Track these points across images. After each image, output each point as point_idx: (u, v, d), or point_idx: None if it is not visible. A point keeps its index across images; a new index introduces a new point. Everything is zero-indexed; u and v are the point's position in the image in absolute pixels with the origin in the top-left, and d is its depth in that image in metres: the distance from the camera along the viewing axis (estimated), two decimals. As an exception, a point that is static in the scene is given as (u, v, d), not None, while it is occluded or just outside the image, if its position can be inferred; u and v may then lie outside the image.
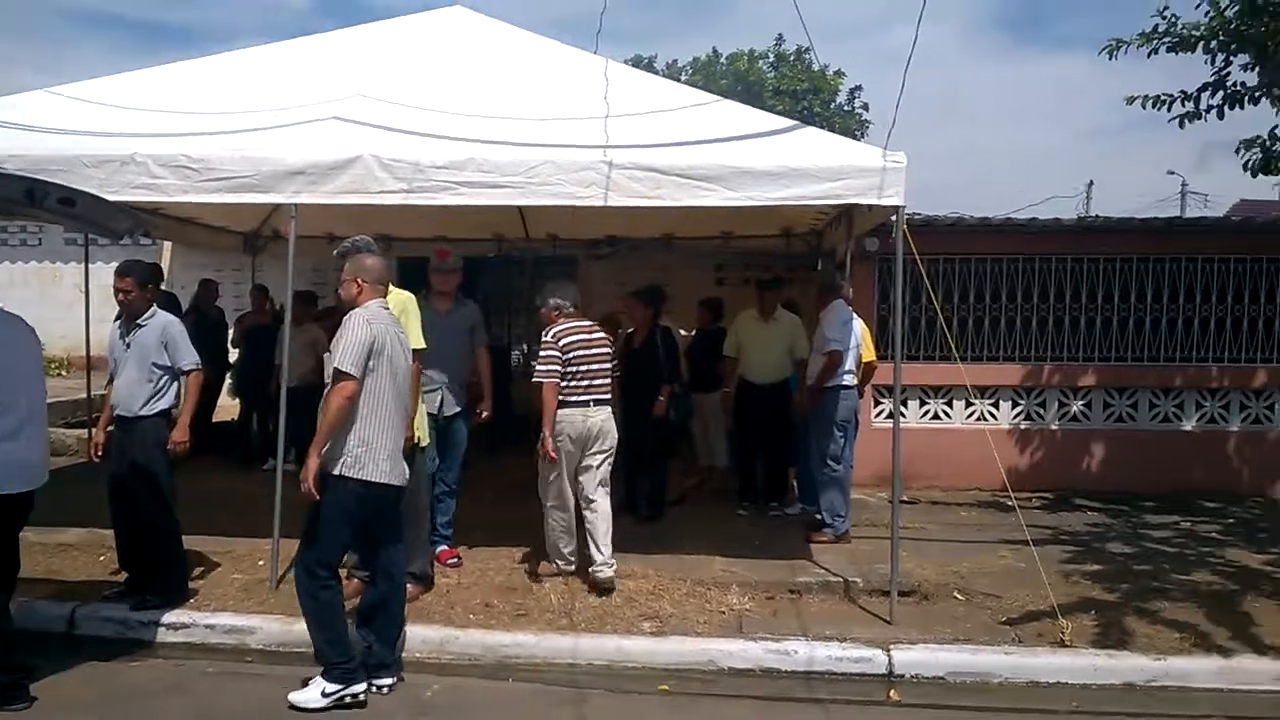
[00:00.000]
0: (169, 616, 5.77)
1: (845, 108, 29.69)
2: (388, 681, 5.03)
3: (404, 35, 8.03)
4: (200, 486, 7.94)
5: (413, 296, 6.01)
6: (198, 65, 7.69)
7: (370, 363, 4.78)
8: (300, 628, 5.63)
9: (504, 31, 8.13)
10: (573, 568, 6.58)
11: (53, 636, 5.66)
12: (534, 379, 6.41)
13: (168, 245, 13.30)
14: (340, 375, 4.72)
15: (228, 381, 10.94)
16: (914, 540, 7.69)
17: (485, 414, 6.77)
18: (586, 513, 6.43)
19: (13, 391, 4.73)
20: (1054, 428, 10.09)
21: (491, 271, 12.33)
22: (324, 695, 4.79)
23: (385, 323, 4.94)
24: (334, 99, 6.63)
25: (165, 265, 13.41)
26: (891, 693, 5.27)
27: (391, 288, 5.87)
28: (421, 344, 5.90)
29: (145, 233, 6.10)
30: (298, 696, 4.82)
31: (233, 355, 10.80)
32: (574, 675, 5.38)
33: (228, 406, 10.88)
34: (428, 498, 6.26)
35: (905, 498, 9.27)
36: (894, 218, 5.85)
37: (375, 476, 4.81)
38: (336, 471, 4.76)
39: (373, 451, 4.80)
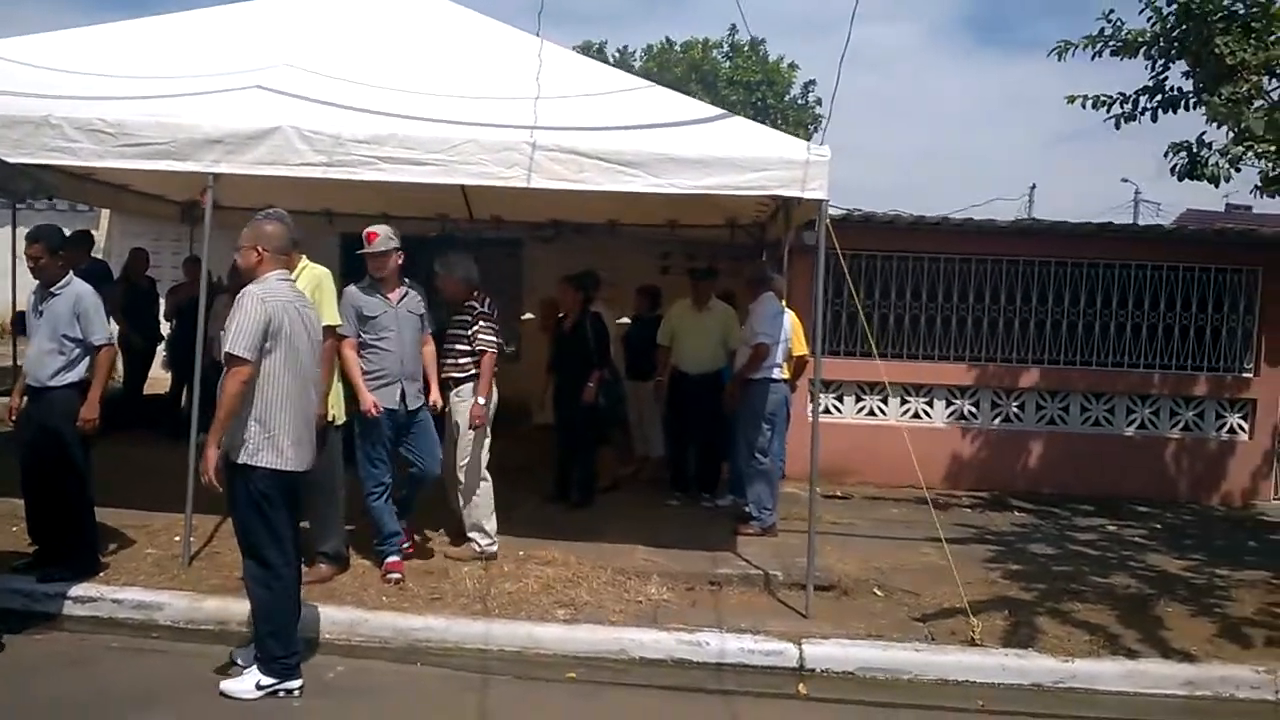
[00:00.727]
0: (76, 590, 5.64)
1: (799, 101, 29.82)
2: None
3: (338, 6, 7.84)
4: (127, 459, 7.84)
5: (328, 273, 5.89)
6: (123, 28, 7.47)
7: (267, 344, 4.54)
8: (210, 605, 5.63)
9: (441, 7, 7.99)
10: (495, 547, 6.54)
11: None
12: (478, 348, 6.46)
13: (105, 213, 13.04)
14: (232, 359, 4.49)
15: (161, 354, 10.77)
16: (840, 535, 7.73)
17: (435, 404, 6.43)
18: None
19: None
20: (988, 427, 10.16)
21: (433, 251, 12.20)
22: (258, 688, 4.63)
23: (283, 298, 4.66)
24: (259, 68, 6.49)
25: (103, 233, 13.18)
26: (801, 686, 5.26)
27: (307, 262, 5.79)
28: (336, 320, 5.82)
29: (48, 195, 5.94)
30: (230, 685, 4.67)
31: (166, 327, 10.61)
32: (485, 661, 5.32)
33: (161, 379, 10.68)
34: (341, 475, 6.12)
35: (839, 493, 9.37)
36: (820, 211, 5.84)
37: (277, 464, 4.60)
38: (239, 460, 4.57)
39: (273, 437, 4.58)
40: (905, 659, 5.46)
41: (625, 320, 9.74)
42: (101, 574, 5.89)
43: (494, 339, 6.53)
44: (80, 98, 5.97)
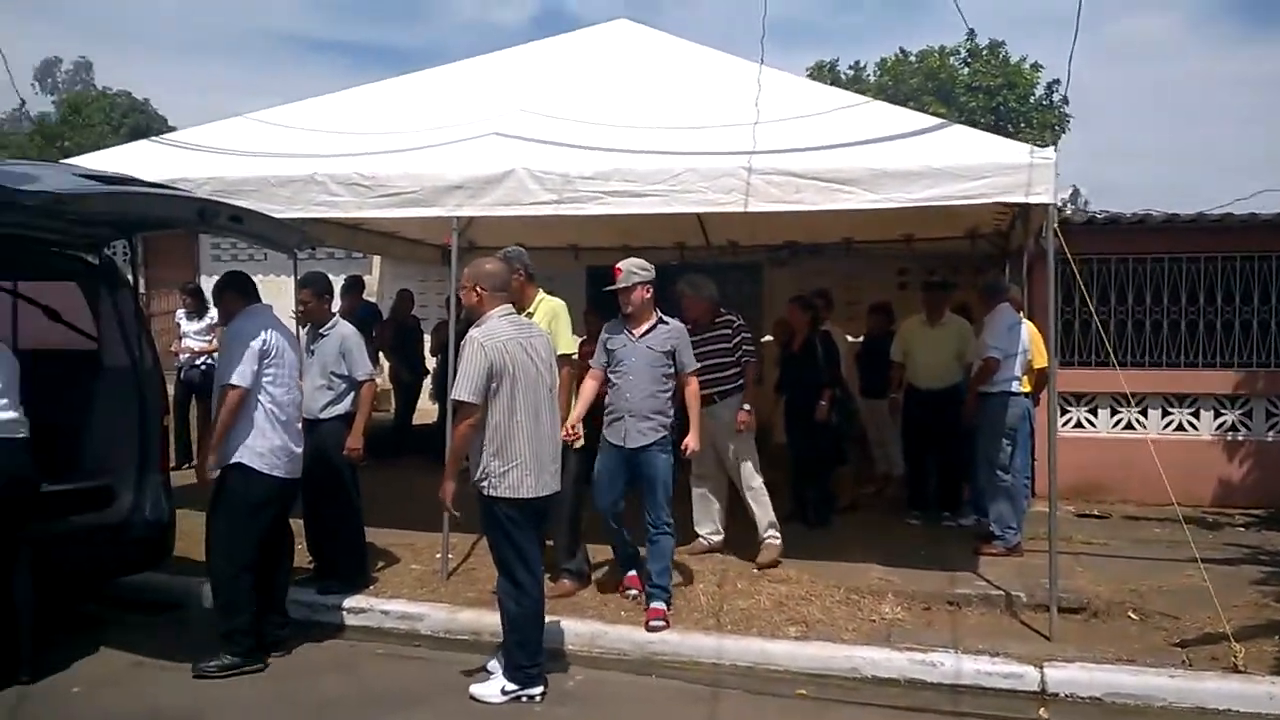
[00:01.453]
0: (349, 601, 6.18)
1: (1044, 102, 28.20)
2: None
3: (569, 50, 8.33)
4: (395, 484, 8.51)
5: (564, 304, 6.19)
6: (376, 88, 8.24)
7: (492, 385, 4.82)
8: (465, 617, 6.01)
9: (665, 43, 8.31)
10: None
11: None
12: (743, 360, 6.89)
13: (377, 259, 14.22)
14: (459, 405, 4.84)
15: (428, 386, 11.62)
16: (1095, 556, 7.36)
17: (690, 450, 6.11)
18: (716, 488, 7.18)
19: (290, 390, 5.53)
20: (1263, 439, 9.34)
21: (673, 280, 12.55)
22: (503, 693, 4.97)
23: (504, 338, 4.91)
24: (496, 115, 6.97)
25: (376, 277, 14.40)
26: (1042, 711, 5.05)
27: (543, 295, 6.12)
28: (571, 350, 6.11)
29: (313, 246, 6.60)
30: (479, 689, 5.03)
31: (431, 362, 11.44)
32: (717, 675, 5.43)
33: (429, 410, 11.51)
34: (579, 497, 6.39)
35: (1095, 512, 8.89)
36: (1048, 215, 5.66)
37: (517, 493, 4.90)
38: (486, 493, 4.92)
39: (511, 470, 4.88)
40: (1158, 684, 5.13)
41: (849, 339, 9.68)
42: (371, 587, 6.44)
43: (755, 350, 6.95)
44: (340, 155, 6.64)
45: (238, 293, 5.65)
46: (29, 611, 5.15)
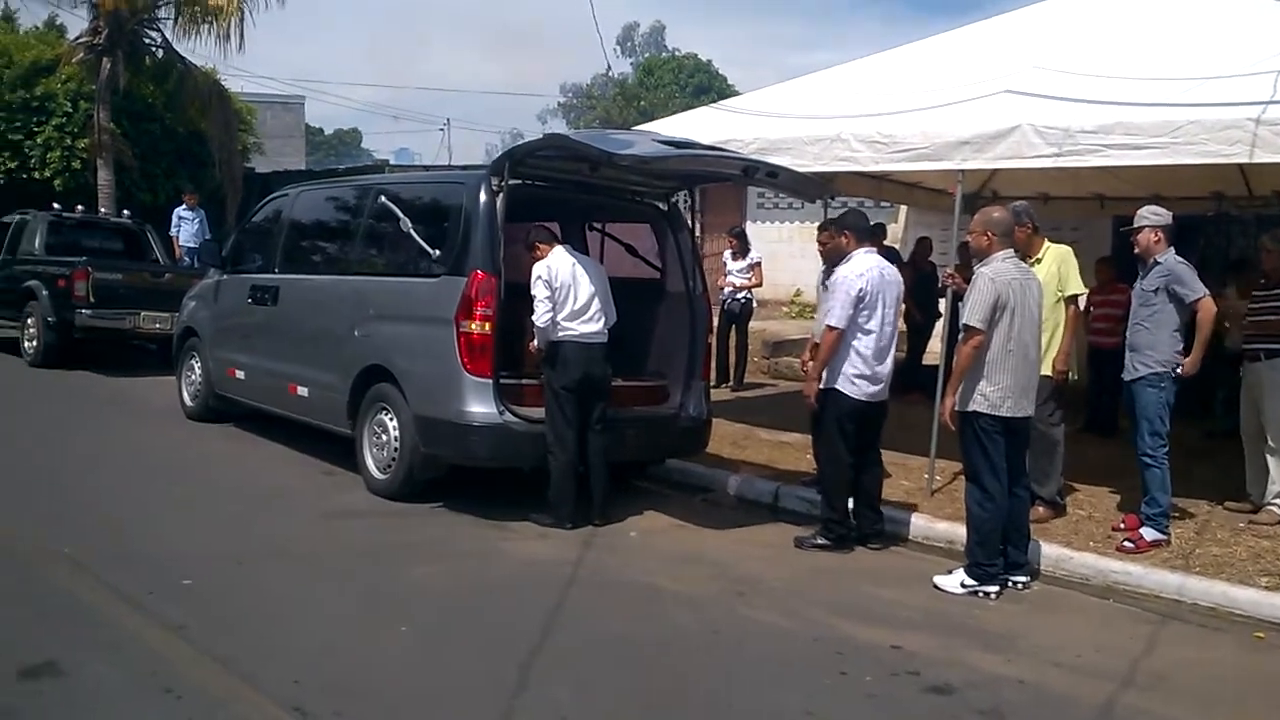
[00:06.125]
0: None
1: None
2: (1022, 579, 5.89)
3: (1088, 4, 8.47)
4: (900, 414, 9.29)
5: (1069, 250, 6.69)
6: (898, 53, 8.99)
7: (995, 315, 5.55)
8: (940, 528, 6.77)
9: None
10: None
11: (761, 505, 7.51)
12: None
13: (903, 208, 15.01)
14: (968, 329, 5.59)
15: (939, 328, 12.26)
16: None
17: (1181, 371, 6.38)
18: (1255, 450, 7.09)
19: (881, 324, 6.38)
20: None
21: (1206, 231, 11.95)
22: (962, 586, 5.74)
23: (1009, 276, 5.62)
24: (1011, 72, 7.38)
25: (900, 225, 15.22)
26: None
27: (1049, 244, 6.69)
28: (1080, 289, 6.65)
29: (831, 195, 7.52)
30: (941, 580, 5.84)
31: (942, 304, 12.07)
32: (1175, 610, 5.65)
33: (938, 352, 12.16)
34: (1062, 432, 6.89)
35: None
36: None
37: (1000, 411, 5.62)
38: (970, 409, 5.69)
39: (1000, 391, 5.60)
40: None
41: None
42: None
43: None
44: (862, 115, 7.53)
45: (852, 233, 6.56)
46: (602, 474, 6.79)
